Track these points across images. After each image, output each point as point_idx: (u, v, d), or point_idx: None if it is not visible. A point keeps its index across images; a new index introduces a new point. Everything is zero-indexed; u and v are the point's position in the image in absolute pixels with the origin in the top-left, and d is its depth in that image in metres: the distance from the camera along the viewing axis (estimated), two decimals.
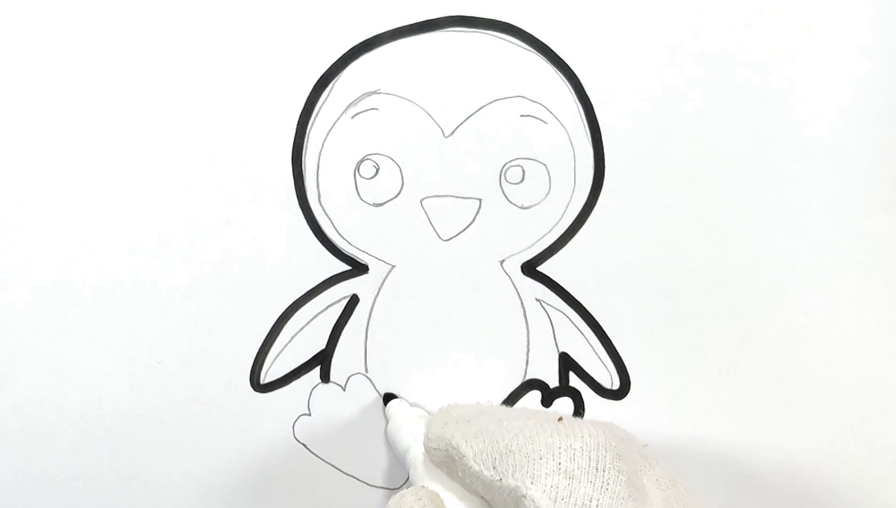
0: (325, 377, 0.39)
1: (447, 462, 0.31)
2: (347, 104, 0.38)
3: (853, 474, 0.41)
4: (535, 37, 0.38)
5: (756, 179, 0.39)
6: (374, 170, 0.38)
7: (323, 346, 0.39)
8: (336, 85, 0.37)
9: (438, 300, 0.39)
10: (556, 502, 0.26)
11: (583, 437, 0.28)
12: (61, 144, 0.37)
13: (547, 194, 0.39)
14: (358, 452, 0.40)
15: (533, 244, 0.39)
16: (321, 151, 0.38)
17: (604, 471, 0.27)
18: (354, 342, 0.39)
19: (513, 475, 0.27)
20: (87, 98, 0.37)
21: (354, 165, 0.38)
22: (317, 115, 0.38)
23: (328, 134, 0.38)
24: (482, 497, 0.30)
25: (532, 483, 0.27)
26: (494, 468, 0.28)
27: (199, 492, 0.40)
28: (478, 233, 0.39)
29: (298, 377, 0.39)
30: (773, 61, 0.38)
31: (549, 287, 0.39)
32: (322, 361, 0.39)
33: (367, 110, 0.38)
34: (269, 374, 0.39)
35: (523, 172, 0.38)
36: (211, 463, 0.39)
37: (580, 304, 0.39)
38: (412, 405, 0.39)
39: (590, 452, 0.27)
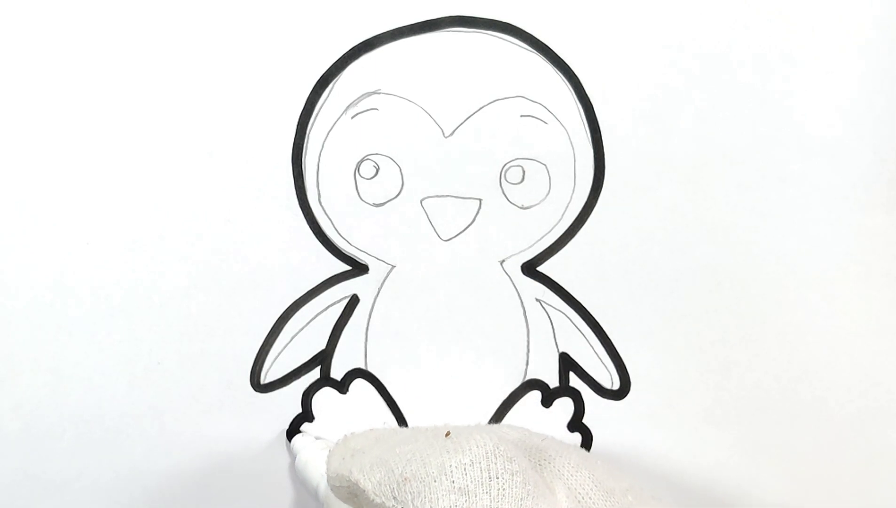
0: (325, 377, 0.39)
1: (351, 498, 0.31)
2: (347, 104, 0.38)
3: (853, 474, 0.41)
4: (535, 37, 0.37)
5: (756, 179, 0.39)
6: (374, 170, 0.38)
7: (323, 346, 0.39)
8: (336, 85, 0.37)
9: (438, 300, 0.39)
10: None
11: (471, 450, 0.28)
12: (61, 145, 0.37)
13: (547, 194, 0.39)
14: None
15: (533, 244, 0.39)
16: (321, 151, 0.38)
17: (497, 478, 0.27)
18: (354, 342, 0.39)
19: (412, 502, 0.27)
20: (86, 98, 0.37)
21: (354, 166, 0.38)
22: (317, 115, 0.38)
23: (328, 134, 0.38)
24: None
25: (431, 507, 0.27)
26: (395, 497, 0.28)
27: (198, 492, 0.40)
28: (478, 233, 0.39)
29: (298, 377, 0.39)
30: (773, 61, 0.38)
31: (549, 287, 0.39)
32: (322, 361, 0.39)
33: (367, 110, 0.38)
34: (269, 374, 0.39)
35: (523, 172, 0.38)
36: (211, 463, 0.39)
37: (580, 304, 0.39)
38: (316, 437, 0.39)
39: (479, 462, 0.27)
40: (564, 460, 0.30)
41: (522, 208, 0.39)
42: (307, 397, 0.39)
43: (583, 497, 0.29)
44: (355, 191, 0.38)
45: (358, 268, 0.39)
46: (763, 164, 0.39)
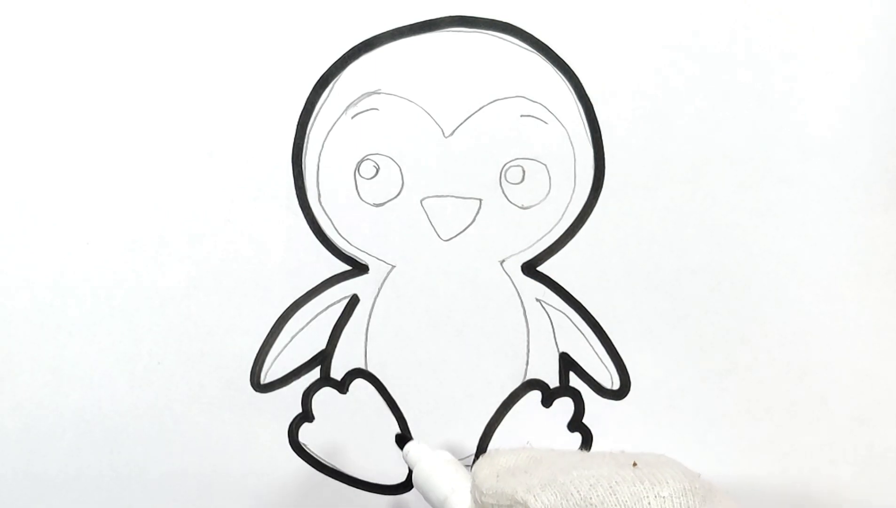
0: (325, 377, 0.39)
1: None
2: (347, 104, 0.38)
3: (853, 474, 0.41)
4: (535, 37, 0.38)
5: (756, 179, 0.39)
6: (374, 170, 0.38)
7: (323, 346, 0.39)
8: (336, 85, 0.37)
9: (438, 300, 0.39)
10: None
11: (668, 483, 0.26)
12: (62, 145, 0.37)
13: (547, 194, 0.39)
14: (357, 452, 0.40)
15: (533, 244, 0.39)
16: (321, 151, 0.38)
17: None
18: (354, 342, 0.39)
19: None
20: (87, 99, 0.37)
21: (354, 166, 0.38)
22: (317, 115, 0.38)
23: (328, 134, 0.38)
24: None
25: None
26: None
27: (199, 492, 0.40)
28: (478, 233, 0.39)
29: (298, 377, 0.39)
30: (773, 61, 0.38)
31: (549, 287, 0.39)
32: (322, 361, 0.39)
33: (367, 110, 0.38)
34: (269, 374, 0.39)
35: (523, 172, 0.38)
36: (211, 463, 0.39)
37: (580, 304, 0.39)
38: (431, 448, 0.37)
39: (678, 498, 0.26)
40: (725, 504, 0.29)
41: (522, 208, 0.39)
42: (307, 397, 0.39)
43: None
44: (355, 191, 0.38)
45: (358, 268, 0.39)
46: (763, 164, 0.39)
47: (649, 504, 0.26)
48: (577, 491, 0.27)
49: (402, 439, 0.39)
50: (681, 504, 0.26)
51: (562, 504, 0.27)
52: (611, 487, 0.27)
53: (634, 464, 0.28)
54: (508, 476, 0.29)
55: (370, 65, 0.37)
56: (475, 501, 0.30)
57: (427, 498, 0.35)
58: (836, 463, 0.41)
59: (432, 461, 0.35)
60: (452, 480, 0.33)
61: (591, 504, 0.26)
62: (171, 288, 0.38)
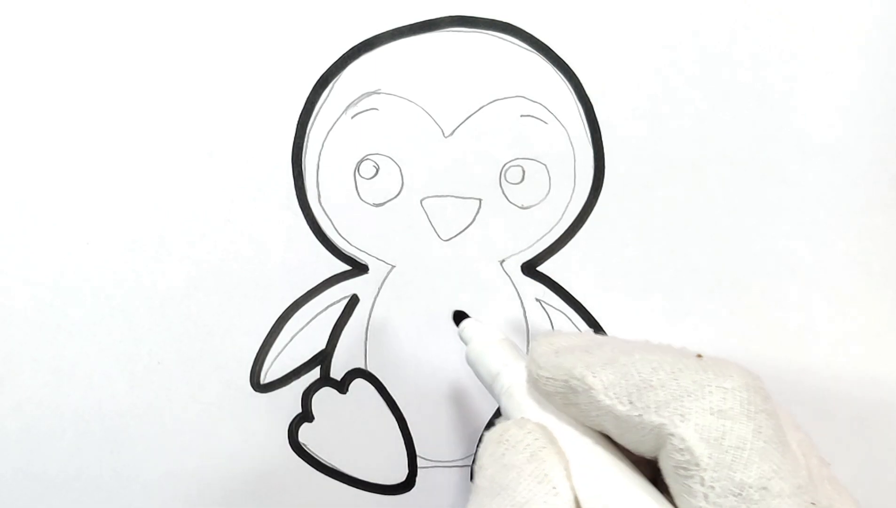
0: (324, 377, 0.39)
1: (563, 393, 0.28)
2: (347, 104, 0.38)
3: (853, 474, 0.41)
4: (535, 37, 0.38)
5: (756, 179, 0.39)
6: (374, 170, 0.38)
7: (323, 346, 0.39)
8: (336, 85, 0.37)
9: (438, 300, 0.39)
10: (708, 442, 0.24)
11: (732, 377, 0.26)
12: (61, 145, 0.37)
13: (547, 194, 0.39)
14: (358, 452, 0.40)
15: (533, 244, 0.39)
16: (321, 151, 0.38)
17: (756, 414, 0.25)
18: (354, 342, 0.39)
19: (656, 411, 0.25)
20: (86, 98, 0.37)
21: (354, 166, 0.38)
22: (317, 115, 0.38)
23: (328, 134, 0.38)
24: (601, 433, 0.27)
25: (681, 420, 0.25)
26: (631, 402, 0.26)
27: (199, 492, 0.40)
28: (478, 233, 0.39)
29: (298, 377, 0.39)
30: (773, 61, 0.38)
31: (549, 287, 0.39)
32: (322, 361, 0.39)
33: (367, 110, 0.38)
34: (269, 374, 0.39)
35: (523, 172, 0.38)
36: (211, 463, 0.39)
37: (580, 304, 0.39)
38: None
39: (741, 392, 0.25)
40: (787, 415, 0.29)
41: (522, 208, 0.39)
42: (307, 397, 0.39)
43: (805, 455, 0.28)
44: (355, 191, 0.38)
45: (358, 268, 0.39)
46: (763, 164, 0.39)
47: (710, 392, 0.25)
48: (638, 373, 0.26)
49: (460, 316, 0.37)
50: (742, 398, 0.25)
51: (622, 382, 0.26)
52: (673, 372, 0.26)
53: (699, 356, 0.27)
54: (567, 353, 0.28)
55: (370, 65, 0.37)
56: (531, 374, 0.29)
57: (479, 375, 0.33)
58: (836, 463, 0.41)
59: (485, 338, 0.33)
60: (506, 356, 0.32)
61: (652, 386, 0.26)
62: (171, 288, 0.38)
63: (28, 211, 0.37)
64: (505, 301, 0.39)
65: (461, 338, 0.35)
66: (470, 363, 0.33)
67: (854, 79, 0.38)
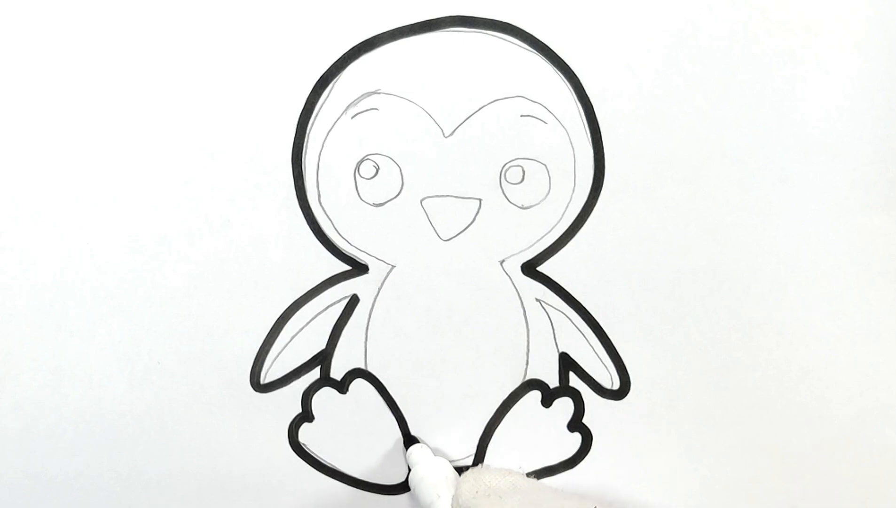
0: (324, 377, 0.39)
1: None
2: (347, 104, 0.38)
3: (853, 474, 0.41)
4: (535, 37, 0.38)
5: (756, 179, 0.39)
6: (374, 170, 0.38)
7: (323, 346, 0.39)
8: (336, 85, 0.37)
9: (438, 300, 0.39)
10: None
11: None
12: (62, 145, 0.37)
13: (547, 194, 0.39)
14: (357, 451, 0.40)
15: (533, 244, 0.39)
16: (321, 151, 0.38)
17: None
18: (354, 342, 0.39)
19: None
20: (87, 98, 0.37)
21: (354, 165, 0.38)
22: (317, 115, 0.38)
23: (328, 134, 0.38)
24: None
25: None
26: None
27: (199, 492, 0.40)
28: (478, 233, 0.39)
29: (298, 377, 0.39)
30: (773, 61, 0.38)
31: (549, 287, 0.39)
32: (322, 361, 0.39)
33: (367, 110, 0.38)
34: (269, 374, 0.39)
35: (523, 172, 0.38)
36: (211, 463, 0.39)
37: (580, 304, 0.39)
38: (434, 452, 0.40)
39: None
40: None
41: (522, 207, 0.39)
42: (307, 397, 0.39)
43: None
44: (355, 191, 0.38)
45: (358, 268, 0.39)
46: (763, 163, 0.39)
47: None
48: None
49: (409, 440, 0.40)
50: None
51: None
52: None
53: None
54: (484, 498, 0.33)
55: (370, 65, 0.37)
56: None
57: (417, 500, 0.38)
58: (836, 463, 0.41)
59: (427, 467, 0.38)
60: (441, 487, 0.37)
61: None
62: (171, 288, 0.38)
63: (28, 211, 0.37)
64: (505, 301, 0.39)
65: (407, 462, 0.39)
66: (411, 487, 0.39)
67: (854, 79, 0.38)
